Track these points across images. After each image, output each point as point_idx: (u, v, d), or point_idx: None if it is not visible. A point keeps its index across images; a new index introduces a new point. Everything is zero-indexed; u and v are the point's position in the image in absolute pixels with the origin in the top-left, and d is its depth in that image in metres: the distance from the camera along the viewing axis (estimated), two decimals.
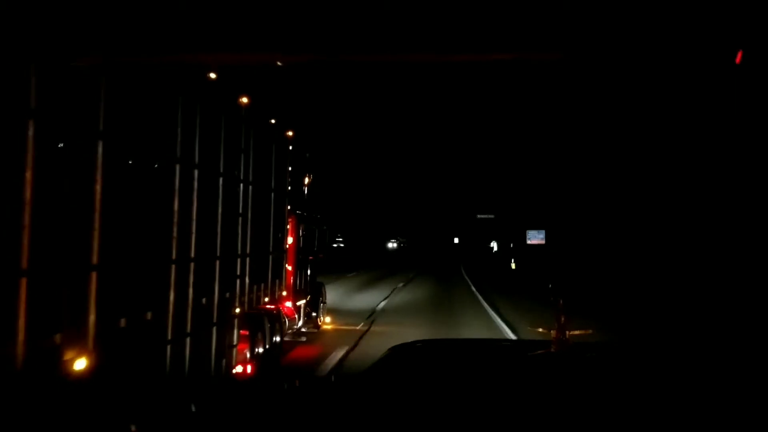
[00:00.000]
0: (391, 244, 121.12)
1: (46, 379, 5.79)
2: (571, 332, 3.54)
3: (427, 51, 6.88)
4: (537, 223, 69.70)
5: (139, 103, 7.52)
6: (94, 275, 6.52)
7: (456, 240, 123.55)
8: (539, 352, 3.52)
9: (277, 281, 14.07)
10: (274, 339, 13.54)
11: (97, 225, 6.55)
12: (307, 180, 17.17)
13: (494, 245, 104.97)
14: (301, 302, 16.57)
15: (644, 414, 2.84)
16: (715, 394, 3.16)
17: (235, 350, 10.93)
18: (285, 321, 14.67)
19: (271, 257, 13.46)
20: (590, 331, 3.83)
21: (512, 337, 18.14)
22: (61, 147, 5.99)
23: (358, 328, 20.00)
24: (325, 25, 6.50)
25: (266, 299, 13.13)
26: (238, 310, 11.04)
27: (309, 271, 17.30)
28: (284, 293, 14.66)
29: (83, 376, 6.28)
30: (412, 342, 4.01)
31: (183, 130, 8.67)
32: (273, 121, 13.17)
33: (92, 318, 6.49)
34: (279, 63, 7.42)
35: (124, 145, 7.09)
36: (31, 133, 5.52)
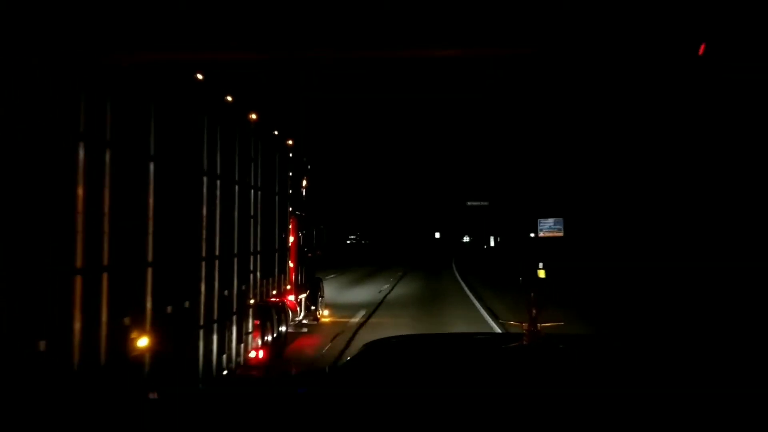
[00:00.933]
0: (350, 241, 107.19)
1: (121, 351, 7.36)
2: (543, 324, 3.60)
3: (395, 47, 7.03)
4: (549, 210, 56.31)
5: (178, 126, 9.08)
6: (149, 271, 8.10)
7: (437, 235, 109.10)
8: (512, 344, 3.59)
9: (282, 276, 15.65)
10: (280, 329, 15.10)
11: (150, 230, 8.12)
12: (304, 183, 18.76)
13: (492, 240, 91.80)
14: (302, 296, 18.15)
15: (613, 403, 2.92)
16: (686, 384, 3.22)
17: (250, 336, 12.50)
18: (289, 313, 16.24)
19: (276, 255, 15.04)
20: (561, 323, 3.92)
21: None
22: (125, 168, 7.55)
23: (355, 320, 21.59)
24: (298, 23, 6.63)
25: (274, 292, 14.71)
26: (252, 302, 12.63)
27: (308, 268, 18.89)
28: (288, 287, 16.24)
29: (143, 351, 7.86)
30: (386, 338, 4.09)
31: (208, 147, 10.24)
32: (276, 132, 14.73)
33: (149, 305, 8.07)
34: (254, 58, 7.73)
35: (167, 164, 8.65)
36: (107, 158, 7.09)
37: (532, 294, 3.77)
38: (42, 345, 5.95)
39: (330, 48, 7.17)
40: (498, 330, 18.81)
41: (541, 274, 35.72)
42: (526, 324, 3.59)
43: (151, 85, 8.20)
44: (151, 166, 8.17)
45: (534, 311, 3.60)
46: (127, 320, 7.54)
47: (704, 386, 3.17)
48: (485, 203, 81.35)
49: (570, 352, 3.60)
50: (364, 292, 32.66)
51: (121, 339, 7.41)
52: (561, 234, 54.30)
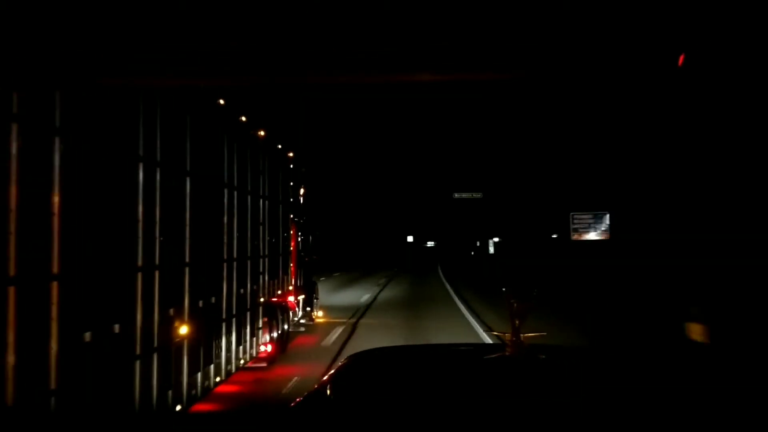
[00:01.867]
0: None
1: (167, 337, 8.88)
2: (526, 335, 3.62)
3: (383, 72, 7.18)
4: (581, 202, 40.69)
5: (205, 145, 10.60)
6: (186, 270, 9.61)
7: (410, 238, 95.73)
8: (494, 355, 3.63)
9: (285, 278, 17.16)
10: (284, 327, 16.60)
11: (187, 236, 9.64)
12: (302, 191, 20.28)
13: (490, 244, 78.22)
14: (300, 297, 19.66)
15: (594, 411, 2.98)
16: (667, 393, 3.28)
17: (260, 331, 14.01)
18: (290, 312, 17.74)
19: (281, 258, 16.55)
20: (544, 334, 3.95)
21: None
22: (169, 183, 9.07)
23: (347, 321, 23.12)
24: (291, 50, 6.77)
25: (278, 292, 16.22)
26: (262, 300, 14.15)
27: (306, 271, 20.41)
28: (290, 288, 17.75)
29: (183, 337, 9.37)
30: (369, 350, 4.14)
31: (227, 162, 11.77)
32: (279, 146, 16.27)
33: (187, 300, 9.58)
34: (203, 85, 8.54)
35: (198, 178, 10.17)
36: (158, 176, 8.62)
37: (514, 304, 3.70)
38: (116, 328, 7.46)
39: (323, 74, 7.38)
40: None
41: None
42: (509, 334, 3.61)
43: (185, 110, 9.72)
44: (188, 181, 9.69)
45: (517, 322, 3.61)
46: (171, 311, 9.05)
47: (691, 398, 3.24)
48: (478, 195, 61.88)
49: (552, 363, 3.67)
50: (355, 294, 34.17)
51: (167, 327, 8.91)
52: (607, 236, 39.49)
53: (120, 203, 7.68)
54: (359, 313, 25.87)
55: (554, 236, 50.37)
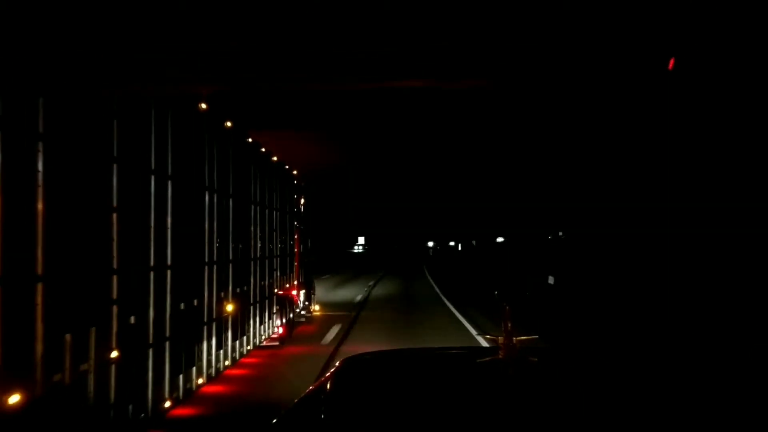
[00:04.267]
0: None
1: (220, 312, 12.86)
2: (518, 338, 3.68)
3: (344, 79, 7.34)
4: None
5: (239, 173, 14.60)
6: (230, 266, 13.60)
7: (362, 240, 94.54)
8: (487, 358, 3.71)
9: (291, 275, 21.18)
10: (290, 315, 20.59)
11: (230, 241, 13.63)
12: (302, 201, 24.30)
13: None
14: (302, 292, 23.65)
15: (588, 415, 3.05)
16: (659, 395, 3.34)
17: (275, 316, 18.03)
18: (293, 304, 21.73)
19: (288, 259, 20.57)
20: (536, 337, 4.03)
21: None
22: (218, 205, 13.04)
23: (342, 314, 27.14)
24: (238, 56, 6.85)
25: (287, 286, 20.24)
26: (276, 291, 18.19)
27: (306, 270, 24.41)
28: (295, 283, 21.76)
29: (230, 313, 13.36)
30: (362, 354, 4.26)
31: (253, 184, 15.79)
32: (287, 167, 20.30)
33: (230, 287, 13.58)
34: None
35: (227, 195, 14.16)
36: (169, 191, 12.63)
37: (507, 308, 3.79)
38: (132, 319, 8.95)
39: (279, 80, 7.69)
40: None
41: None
42: (502, 338, 3.68)
43: (212, 138, 13.61)
44: (230, 201, 13.69)
45: (509, 324, 3.69)
46: (222, 294, 13.03)
47: (687, 399, 3.30)
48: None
49: (545, 366, 3.76)
50: (348, 293, 38.17)
51: (219, 305, 12.88)
52: None
53: (198, 222, 11.68)
54: (352, 307, 29.87)
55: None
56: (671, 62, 6.86)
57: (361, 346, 17.93)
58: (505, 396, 3.29)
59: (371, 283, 47.30)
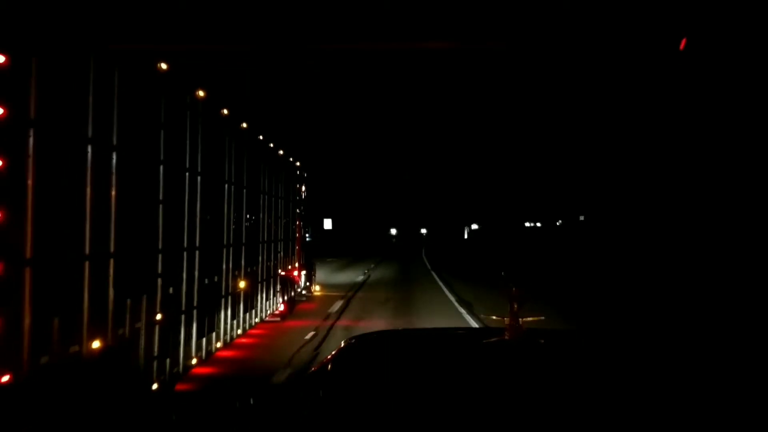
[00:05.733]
0: None
1: (234, 287, 15.03)
2: (524, 319, 3.70)
3: (365, 39, 7.38)
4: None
5: (252, 168, 16.73)
6: (243, 248, 15.77)
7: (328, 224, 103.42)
8: (493, 339, 3.74)
9: (293, 257, 23.36)
10: (291, 294, 22.77)
11: (243, 227, 15.79)
12: (303, 189, 26.45)
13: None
14: (303, 273, 25.83)
15: (593, 396, 3.10)
16: (664, 377, 3.39)
17: (278, 295, 20.22)
18: (295, 284, 23.91)
19: (290, 243, 22.74)
20: (542, 318, 4.03)
21: None
22: (210, 187, 15.19)
23: (340, 294, 29.34)
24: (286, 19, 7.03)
25: (289, 267, 22.42)
26: (280, 271, 20.38)
27: (306, 253, 26.58)
28: (296, 265, 23.93)
29: (242, 289, 15.54)
30: (368, 333, 4.40)
31: (262, 176, 17.94)
32: (291, 159, 22.45)
33: (243, 266, 15.75)
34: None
35: (241, 186, 16.29)
36: (187, 178, 14.79)
37: (513, 288, 3.75)
38: (171, 290, 11.14)
39: (298, 41, 7.89)
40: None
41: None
42: (508, 319, 3.69)
43: (232, 137, 15.77)
44: (244, 192, 15.84)
45: (515, 306, 3.68)
46: (236, 272, 15.19)
47: (688, 382, 3.35)
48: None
49: (552, 347, 3.76)
50: (348, 276, 40.36)
51: (234, 281, 15.04)
52: None
53: (219, 210, 13.83)
54: (350, 288, 32.08)
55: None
56: (683, 42, 6.83)
57: (353, 322, 20.25)
58: (510, 376, 3.34)
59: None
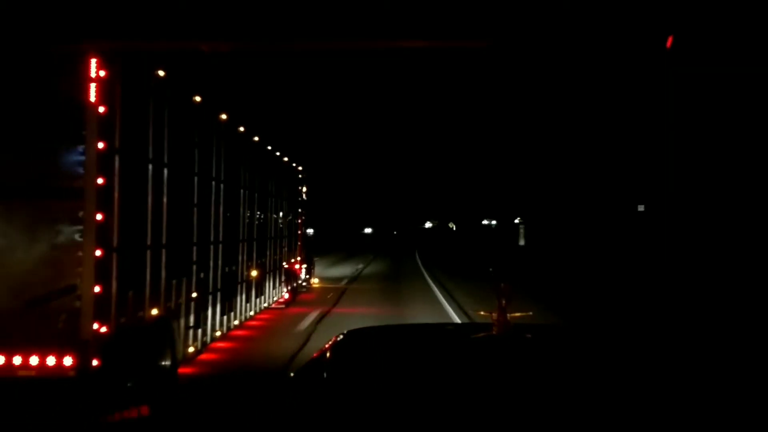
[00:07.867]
0: None
1: (248, 276, 18.00)
2: (512, 315, 3.75)
3: (347, 38, 7.40)
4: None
5: (259, 171, 19.69)
6: (254, 243, 18.73)
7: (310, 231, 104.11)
8: (481, 334, 3.77)
9: (296, 251, 26.36)
10: (293, 284, 25.74)
11: (255, 225, 18.76)
12: (304, 189, 29.44)
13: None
14: (303, 266, 28.82)
15: (581, 391, 3.14)
16: (652, 372, 3.44)
17: (283, 284, 23.20)
18: (297, 276, 26.88)
19: (293, 238, 25.74)
20: (530, 314, 4.08)
21: None
22: (228, 193, 18.14)
23: (337, 286, 32.32)
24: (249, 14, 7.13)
25: (292, 260, 25.41)
26: (284, 264, 23.39)
27: (307, 248, 29.57)
28: (298, 259, 26.91)
29: (254, 278, 18.51)
30: (363, 327, 4.45)
31: (270, 181, 20.91)
32: (294, 164, 25.44)
33: (255, 257, 18.71)
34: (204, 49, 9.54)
35: (253, 190, 19.24)
36: (213, 186, 17.77)
37: (501, 284, 3.82)
38: (202, 275, 15.43)
39: (280, 41, 8.03)
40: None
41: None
42: (496, 314, 3.74)
43: (246, 149, 18.68)
44: (256, 196, 18.81)
45: (503, 301, 3.74)
46: (234, 267, 18.13)
47: (677, 376, 3.40)
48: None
49: (540, 342, 3.83)
50: (343, 270, 43.33)
51: (247, 271, 17.99)
52: None
53: (236, 210, 16.78)
54: (344, 281, 35.06)
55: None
56: (669, 40, 6.83)
57: (346, 308, 23.32)
58: (499, 371, 3.39)
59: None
